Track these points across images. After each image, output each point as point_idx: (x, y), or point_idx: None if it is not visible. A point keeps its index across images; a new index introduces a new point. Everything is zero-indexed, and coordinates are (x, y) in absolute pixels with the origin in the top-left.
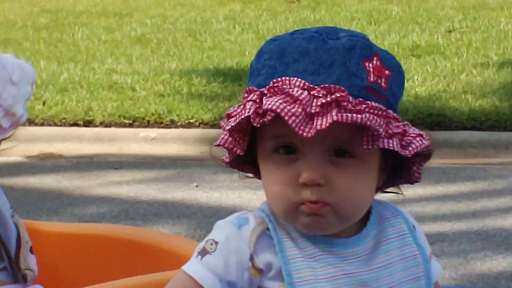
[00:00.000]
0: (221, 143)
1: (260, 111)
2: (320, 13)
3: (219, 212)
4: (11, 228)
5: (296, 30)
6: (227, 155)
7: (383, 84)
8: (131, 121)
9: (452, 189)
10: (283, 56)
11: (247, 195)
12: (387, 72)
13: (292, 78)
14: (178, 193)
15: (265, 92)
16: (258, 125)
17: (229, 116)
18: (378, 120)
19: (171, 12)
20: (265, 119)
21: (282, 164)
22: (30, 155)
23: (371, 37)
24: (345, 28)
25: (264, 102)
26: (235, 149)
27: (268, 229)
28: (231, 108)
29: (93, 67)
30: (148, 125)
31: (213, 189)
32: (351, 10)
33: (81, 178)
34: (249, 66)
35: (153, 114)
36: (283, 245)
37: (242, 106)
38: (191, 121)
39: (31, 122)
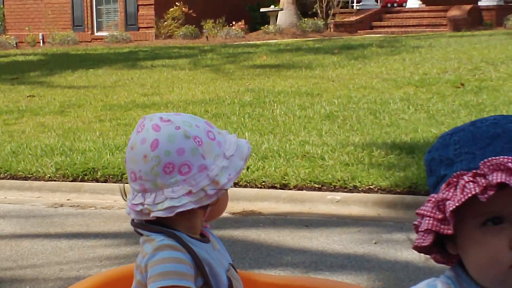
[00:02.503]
0: (424, 235)
1: (486, 186)
2: (482, 97)
3: (395, 266)
4: (223, 282)
5: (473, 121)
6: (419, 239)
7: None
8: (320, 186)
9: None
10: (475, 143)
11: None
12: None
13: (498, 157)
14: (359, 248)
15: (479, 172)
16: (485, 200)
17: (422, 216)
18: None
19: (355, 94)
20: (490, 194)
21: (492, 234)
22: (235, 212)
23: None
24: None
25: (490, 179)
26: (444, 230)
27: None
28: (422, 208)
29: (289, 138)
30: (334, 189)
31: (390, 246)
32: (509, 96)
33: (277, 233)
34: (420, 141)
35: (339, 180)
36: None
37: (451, 190)
38: (371, 187)
39: (236, 184)
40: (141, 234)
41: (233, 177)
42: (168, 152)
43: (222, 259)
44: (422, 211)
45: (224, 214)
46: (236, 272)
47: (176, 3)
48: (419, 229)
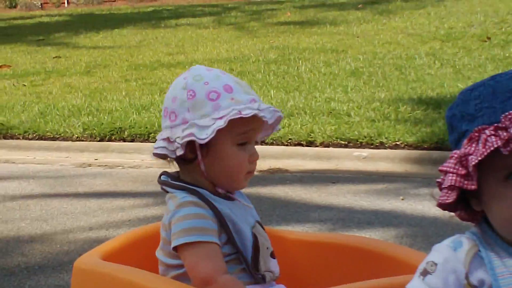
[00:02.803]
0: (448, 190)
1: (507, 139)
2: (509, 50)
3: (422, 222)
4: (248, 238)
5: (493, 76)
6: (443, 196)
7: None
8: (346, 142)
9: None
10: (495, 97)
11: None
12: None
13: None
14: (386, 205)
15: (501, 125)
16: (507, 153)
17: (445, 172)
18: None
19: (380, 49)
20: None
21: None
22: (261, 170)
23: None
24: None
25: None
26: (468, 185)
27: (479, 250)
28: (444, 165)
29: (314, 95)
30: (360, 146)
31: (417, 202)
32: None
33: (304, 190)
34: (447, 96)
35: (365, 137)
36: (493, 264)
37: (473, 145)
38: (397, 143)
39: (262, 142)
40: (167, 192)
41: (209, 136)
42: (168, 97)
43: (247, 216)
44: (445, 168)
45: None
46: (263, 229)
47: None
48: (443, 186)
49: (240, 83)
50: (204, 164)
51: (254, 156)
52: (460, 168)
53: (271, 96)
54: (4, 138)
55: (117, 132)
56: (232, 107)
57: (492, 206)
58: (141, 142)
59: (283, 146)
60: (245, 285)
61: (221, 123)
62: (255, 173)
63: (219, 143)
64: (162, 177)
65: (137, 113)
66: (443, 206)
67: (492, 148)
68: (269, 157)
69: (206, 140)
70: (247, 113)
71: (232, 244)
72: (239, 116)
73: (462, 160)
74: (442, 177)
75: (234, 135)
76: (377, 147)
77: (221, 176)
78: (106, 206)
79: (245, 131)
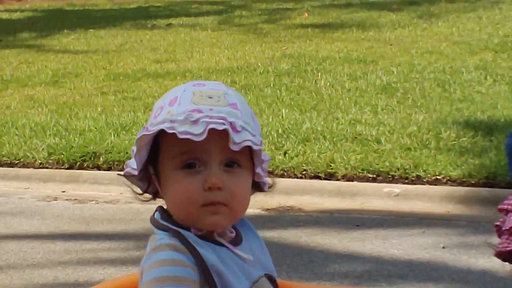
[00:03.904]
0: None
1: None
2: None
3: (468, 277)
4: None
5: None
6: (504, 243)
7: None
8: (374, 175)
9: None
10: None
11: (497, 260)
12: None
13: None
14: (423, 254)
15: None
16: None
17: (506, 211)
18: None
19: (419, 60)
20: None
21: None
22: (268, 208)
23: None
24: None
25: None
26: None
27: None
28: (506, 203)
29: (336, 116)
30: (392, 180)
31: (461, 251)
32: None
33: (321, 234)
34: (501, 120)
35: (398, 169)
36: None
37: None
38: (438, 177)
39: (270, 173)
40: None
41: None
42: None
43: (248, 267)
44: (506, 206)
45: (256, 211)
46: (274, 284)
47: None
48: (503, 229)
49: (203, 92)
50: (164, 196)
51: (207, 182)
52: None
53: (282, 116)
54: None
55: (91, 158)
56: (164, 121)
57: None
58: (120, 171)
59: (295, 179)
60: None
61: (134, 147)
62: (260, 211)
63: (162, 169)
64: (156, 214)
65: (116, 135)
66: (503, 255)
67: None
68: (278, 193)
69: (133, 168)
70: (153, 129)
71: None
72: (148, 133)
73: None
74: (501, 218)
75: (171, 156)
76: (413, 182)
77: (173, 210)
78: (75, 250)
79: (184, 150)
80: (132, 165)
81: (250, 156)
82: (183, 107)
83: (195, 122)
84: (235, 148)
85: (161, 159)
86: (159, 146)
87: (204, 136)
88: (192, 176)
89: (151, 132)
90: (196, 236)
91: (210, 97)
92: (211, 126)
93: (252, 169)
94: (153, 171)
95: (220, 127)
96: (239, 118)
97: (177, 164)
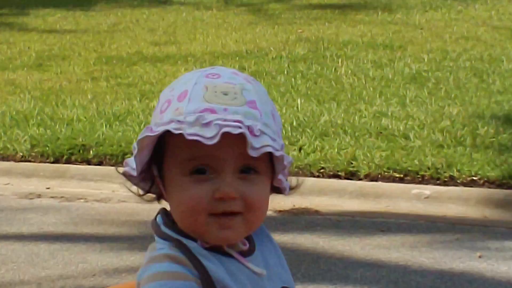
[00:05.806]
0: None
1: None
2: None
3: None
4: None
5: None
6: None
7: None
8: (402, 175)
9: None
10: None
11: None
12: None
13: None
14: (457, 263)
15: None
16: None
17: None
18: None
19: (453, 47)
20: None
21: None
22: (281, 209)
23: None
24: None
25: None
26: None
27: None
28: None
29: (358, 108)
30: (422, 180)
31: (500, 261)
32: None
33: (341, 240)
34: None
35: (428, 168)
36: None
37: None
38: (474, 178)
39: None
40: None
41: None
42: None
43: (262, 281)
44: None
45: (268, 212)
46: None
47: None
48: None
49: (218, 86)
50: (169, 202)
51: (219, 192)
52: None
53: (297, 107)
54: None
55: (79, 151)
56: (172, 121)
57: None
58: (112, 165)
59: (312, 178)
60: None
61: (135, 144)
62: (271, 213)
63: (167, 172)
64: (158, 218)
65: (108, 125)
66: None
67: None
68: (292, 193)
69: (133, 168)
70: (158, 130)
71: None
72: (152, 134)
73: None
74: None
75: (178, 161)
76: (445, 183)
77: (177, 218)
78: (61, 254)
79: (193, 155)
80: (132, 164)
81: (269, 159)
82: (193, 105)
83: (207, 124)
84: (253, 154)
85: (166, 162)
86: (165, 146)
87: (216, 140)
88: (201, 184)
89: (155, 133)
90: (202, 247)
91: (225, 94)
92: (225, 129)
93: (271, 174)
94: (157, 173)
95: (236, 131)
96: (258, 120)
97: (185, 169)
